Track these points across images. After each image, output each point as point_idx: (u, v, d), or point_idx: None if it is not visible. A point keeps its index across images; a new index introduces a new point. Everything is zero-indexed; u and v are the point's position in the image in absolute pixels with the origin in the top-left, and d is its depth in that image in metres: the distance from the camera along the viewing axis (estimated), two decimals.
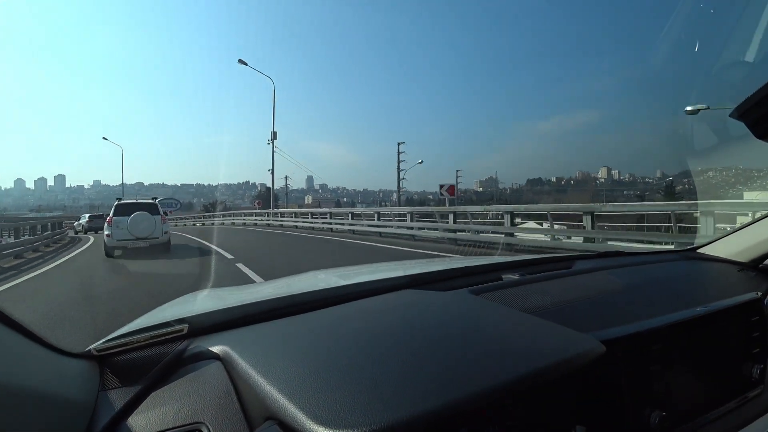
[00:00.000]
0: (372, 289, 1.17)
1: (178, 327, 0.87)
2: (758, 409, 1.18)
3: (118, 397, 0.73)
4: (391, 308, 1.03)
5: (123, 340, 0.82)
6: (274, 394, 0.67)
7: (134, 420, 0.71)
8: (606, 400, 0.91)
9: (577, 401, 0.85)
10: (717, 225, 6.20)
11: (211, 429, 0.69)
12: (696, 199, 8.07)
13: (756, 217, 1.58)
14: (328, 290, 1.18)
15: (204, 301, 1.46)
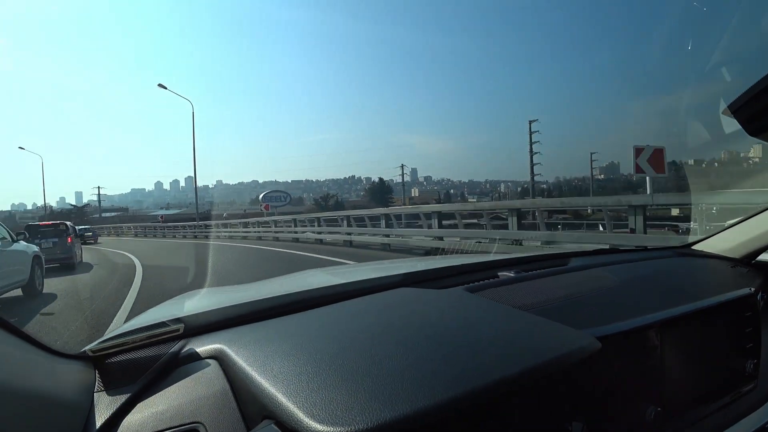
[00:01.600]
0: (367, 288, 1.17)
1: (173, 327, 0.86)
2: (752, 403, 1.20)
3: (115, 398, 0.73)
4: (387, 306, 1.03)
5: (118, 341, 0.82)
6: (271, 392, 0.67)
7: (131, 421, 0.70)
8: (602, 396, 0.91)
9: (573, 397, 0.85)
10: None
11: (208, 428, 0.69)
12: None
13: (748, 213, 1.60)
14: (323, 289, 1.18)
15: (200, 301, 1.46)
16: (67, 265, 12.02)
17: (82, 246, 15.94)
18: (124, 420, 0.70)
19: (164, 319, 0.89)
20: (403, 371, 0.71)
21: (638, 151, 7.79)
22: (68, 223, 13.13)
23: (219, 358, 0.82)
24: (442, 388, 0.66)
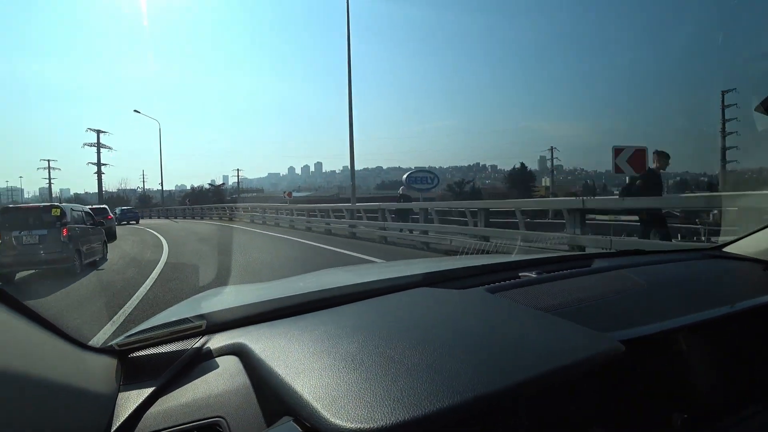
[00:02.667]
0: (387, 287, 1.17)
1: (196, 323, 0.88)
2: None
3: (138, 392, 0.75)
4: (407, 306, 1.03)
5: (143, 336, 0.84)
6: (291, 389, 0.68)
7: (155, 414, 0.72)
8: (626, 401, 0.89)
9: (595, 402, 0.83)
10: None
11: (229, 423, 0.70)
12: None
13: None
14: (343, 288, 1.19)
15: (222, 298, 1.48)
16: (61, 270, 7.91)
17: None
18: (147, 413, 0.72)
19: (187, 316, 0.91)
20: (423, 371, 0.71)
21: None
22: (62, 205, 8.77)
23: (240, 354, 0.83)
24: (463, 388, 0.66)
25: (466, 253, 3.66)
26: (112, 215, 14.59)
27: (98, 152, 48.43)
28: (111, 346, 0.81)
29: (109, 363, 0.78)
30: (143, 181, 63.17)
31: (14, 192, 72.22)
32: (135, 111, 56.53)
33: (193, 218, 32.32)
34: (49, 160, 52.34)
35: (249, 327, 0.94)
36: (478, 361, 0.74)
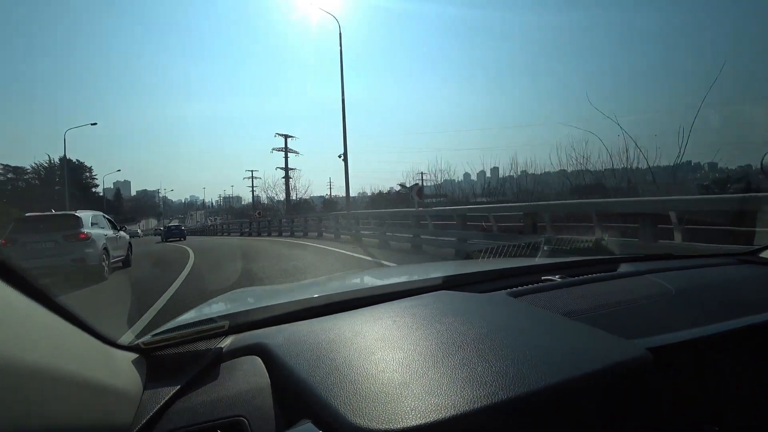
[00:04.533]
0: (408, 290, 1.17)
1: (220, 323, 0.90)
2: None
3: (163, 390, 0.76)
4: (429, 309, 1.03)
5: (168, 335, 0.86)
6: (312, 391, 0.68)
7: (178, 411, 0.73)
8: (653, 412, 0.86)
9: (620, 412, 0.81)
10: None
11: (250, 422, 0.71)
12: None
13: None
14: (365, 290, 1.19)
15: (245, 299, 1.51)
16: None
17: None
18: (171, 409, 0.73)
19: (211, 316, 0.93)
20: (443, 375, 0.70)
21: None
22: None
23: (262, 354, 0.84)
24: (482, 394, 0.65)
25: (490, 256, 3.61)
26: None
27: (285, 156, 47.78)
28: (138, 344, 0.83)
29: (136, 360, 0.81)
30: (329, 188, 61.86)
31: (234, 200, 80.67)
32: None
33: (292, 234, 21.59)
34: (252, 171, 56.99)
35: (271, 328, 0.96)
36: (500, 367, 0.73)
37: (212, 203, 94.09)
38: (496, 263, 1.89)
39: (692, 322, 1.00)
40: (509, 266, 1.50)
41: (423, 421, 0.59)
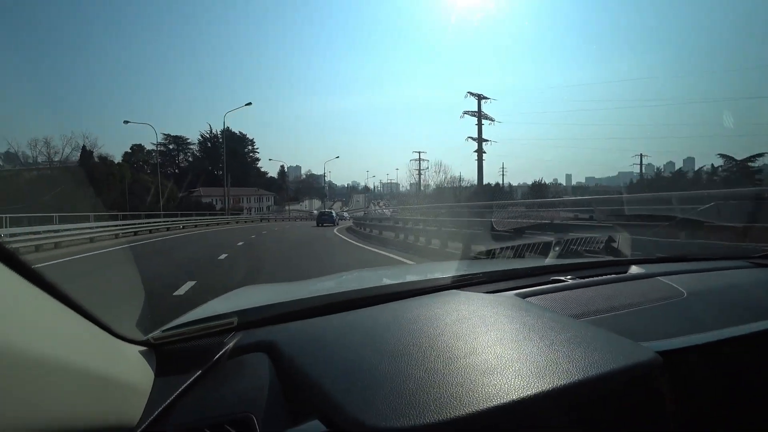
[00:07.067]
0: (416, 289, 1.17)
1: (229, 319, 0.91)
2: None
3: (172, 385, 0.77)
4: (437, 309, 1.03)
5: (178, 331, 0.87)
6: (320, 388, 0.69)
7: (186, 407, 0.74)
8: (663, 418, 0.85)
9: (629, 418, 0.80)
10: None
11: (258, 419, 0.72)
12: None
13: None
14: (374, 288, 1.20)
15: (254, 296, 1.52)
16: None
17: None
18: (179, 405, 0.74)
19: (220, 312, 0.94)
20: (453, 373, 0.70)
21: None
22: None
23: (271, 351, 0.85)
24: (490, 396, 0.65)
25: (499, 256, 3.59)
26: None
27: (479, 122, 37.78)
28: (147, 339, 0.84)
29: (146, 355, 0.82)
30: (502, 175, 59.00)
31: (393, 186, 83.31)
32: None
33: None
34: (419, 152, 55.38)
35: (280, 325, 0.96)
36: (507, 368, 0.73)
37: (375, 188, 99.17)
38: (505, 263, 1.88)
39: (704, 325, 0.98)
40: (518, 267, 1.49)
41: (433, 419, 0.60)
